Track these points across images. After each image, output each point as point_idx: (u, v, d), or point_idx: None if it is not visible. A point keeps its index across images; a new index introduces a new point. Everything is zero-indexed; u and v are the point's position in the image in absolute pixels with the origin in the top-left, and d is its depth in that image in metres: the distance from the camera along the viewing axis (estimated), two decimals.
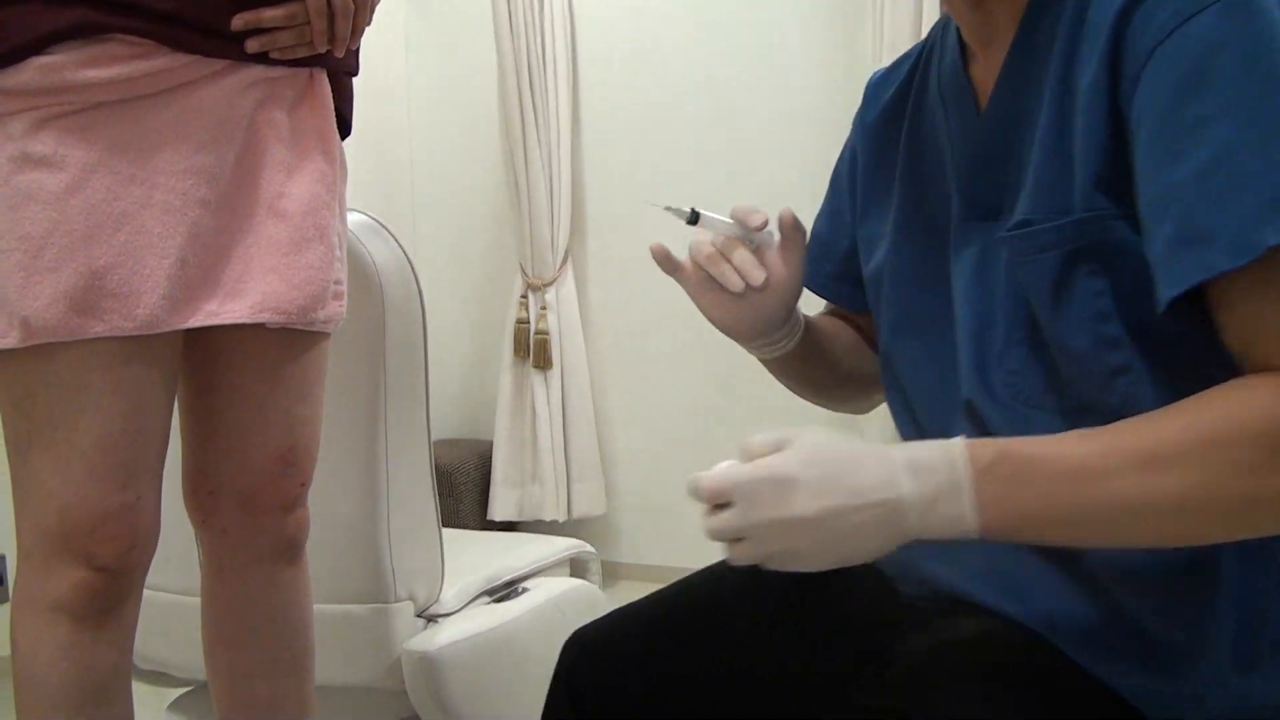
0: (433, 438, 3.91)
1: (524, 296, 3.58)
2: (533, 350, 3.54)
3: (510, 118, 3.49)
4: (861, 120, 1.15)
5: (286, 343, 1.24)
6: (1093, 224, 0.83)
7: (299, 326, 1.22)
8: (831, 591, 1.07)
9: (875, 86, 1.15)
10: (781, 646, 1.06)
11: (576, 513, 3.56)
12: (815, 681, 1.02)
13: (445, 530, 2.32)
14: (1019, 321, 0.91)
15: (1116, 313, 0.83)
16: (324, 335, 1.29)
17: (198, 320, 1.13)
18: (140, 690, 2.46)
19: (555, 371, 3.54)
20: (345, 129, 1.35)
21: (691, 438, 3.60)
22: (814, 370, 1.18)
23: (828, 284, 1.20)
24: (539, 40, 3.47)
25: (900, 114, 1.08)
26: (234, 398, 1.24)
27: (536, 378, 3.54)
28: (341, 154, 1.29)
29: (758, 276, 1.04)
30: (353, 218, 1.68)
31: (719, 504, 0.81)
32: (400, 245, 1.72)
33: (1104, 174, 0.82)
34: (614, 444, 3.69)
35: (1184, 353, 0.81)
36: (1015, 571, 0.92)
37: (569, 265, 3.58)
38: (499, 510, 3.56)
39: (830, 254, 1.19)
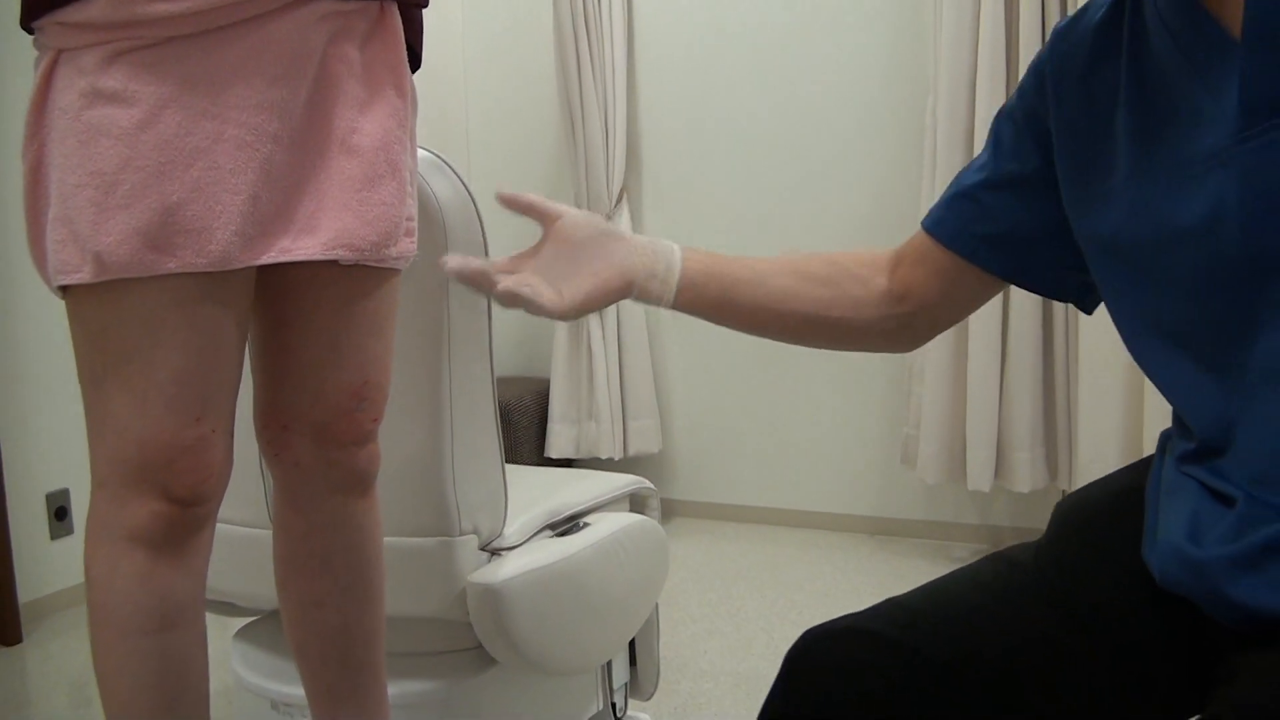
0: None
1: None
2: None
3: (565, 55, 3.47)
4: (1057, 72, 1.03)
5: (359, 279, 1.25)
6: None
7: (371, 263, 1.23)
8: (1101, 611, 0.95)
9: (1060, 37, 1.03)
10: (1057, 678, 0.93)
11: (632, 450, 3.58)
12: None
13: (513, 466, 2.35)
14: None
15: None
16: (395, 272, 1.30)
17: (271, 257, 1.13)
18: (207, 619, 2.53)
19: (611, 309, 3.55)
20: (416, 62, 1.34)
21: (745, 374, 3.60)
22: (735, 319, 1.14)
23: (979, 247, 1.11)
24: None
25: (1110, 64, 0.97)
26: (307, 334, 1.25)
27: (592, 315, 3.54)
28: (413, 88, 1.29)
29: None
30: None
31: None
32: (462, 180, 1.72)
33: None
34: (669, 382, 3.70)
35: None
36: None
37: (624, 203, 3.57)
38: (556, 448, 3.58)
39: (987, 217, 1.09)
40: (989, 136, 1.12)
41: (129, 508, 1.13)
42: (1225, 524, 0.83)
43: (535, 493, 2.04)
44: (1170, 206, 0.89)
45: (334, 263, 1.21)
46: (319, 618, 1.34)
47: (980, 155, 1.13)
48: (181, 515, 1.14)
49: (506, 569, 1.75)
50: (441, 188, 1.67)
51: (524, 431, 3.58)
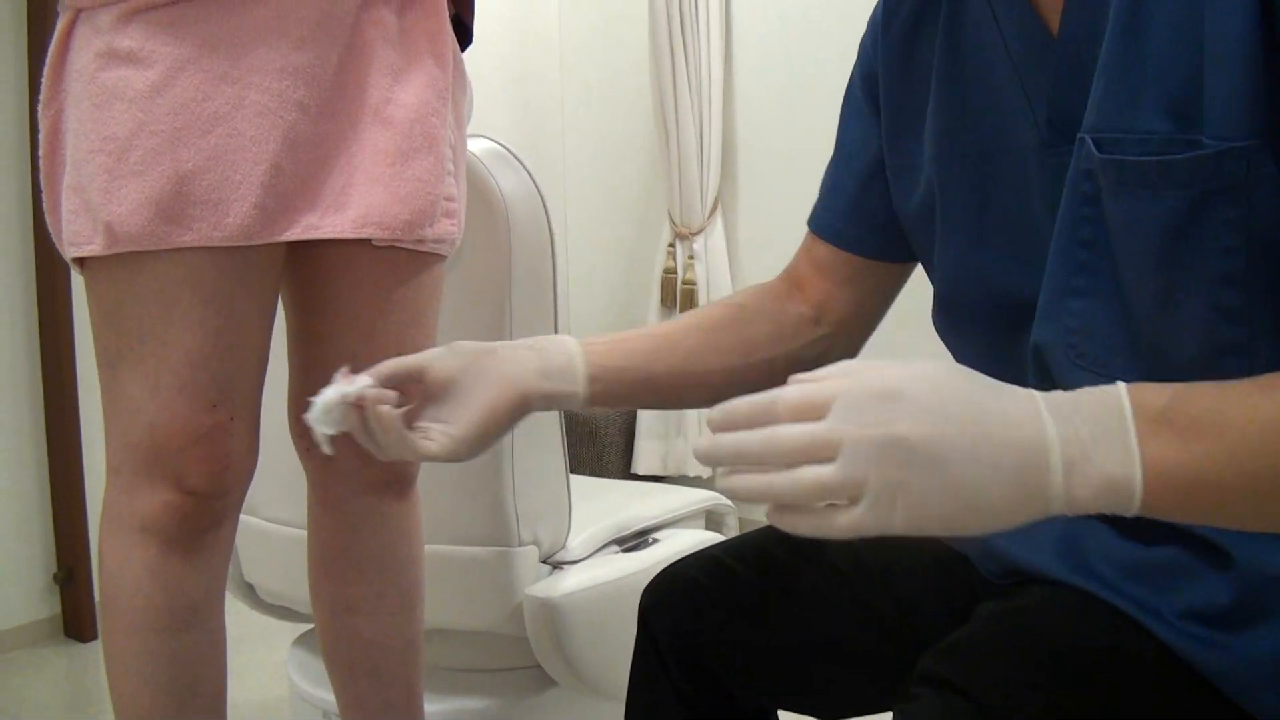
0: None
1: (671, 245, 3.49)
2: (679, 300, 3.45)
3: (661, 61, 3.40)
4: (883, 35, 0.98)
5: (397, 264, 1.17)
6: (1234, 158, 0.66)
7: (408, 245, 1.15)
8: (894, 557, 1.00)
9: None
10: (857, 615, 0.99)
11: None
12: (886, 653, 0.95)
13: (581, 477, 2.27)
14: (1087, 267, 0.77)
15: (1246, 278, 0.68)
16: (437, 258, 1.22)
17: (295, 233, 1.06)
18: (267, 624, 2.49)
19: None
20: (466, 37, 1.26)
21: None
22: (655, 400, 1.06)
23: (838, 226, 1.06)
24: None
25: (924, 32, 0.93)
26: (341, 321, 1.18)
27: None
28: (459, 62, 1.21)
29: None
30: (479, 144, 1.61)
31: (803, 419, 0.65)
32: (530, 174, 1.64)
33: (1252, 88, 0.65)
34: None
35: None
36: (1083, 544, 0.82)
37: (718, 214, 3.47)
38: (643, 464, 3.49)
39: (840, 190, 1.05)
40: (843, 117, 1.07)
41: (141, 497, 1.07)
42: None
43: (605, 505, 1.95)
44: (976, 192, 0.89)
45: (369, 245, 1.13)
46: (350, 624, 1.26)
47: (838, 146, 1.07)
48: (196, 507, 1.07)
49: (567, 583, 1.66)
50: (507, 181, 1.59)
51: (611, 447, 3.50)
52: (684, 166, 3.42)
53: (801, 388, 0.66)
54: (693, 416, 3.43)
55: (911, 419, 0.63)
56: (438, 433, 0.93)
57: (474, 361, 0.97)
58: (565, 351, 0.98)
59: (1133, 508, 0.63)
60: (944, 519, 0.63)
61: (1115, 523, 0.79)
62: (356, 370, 1.14)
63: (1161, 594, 0.76)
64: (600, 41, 3.81)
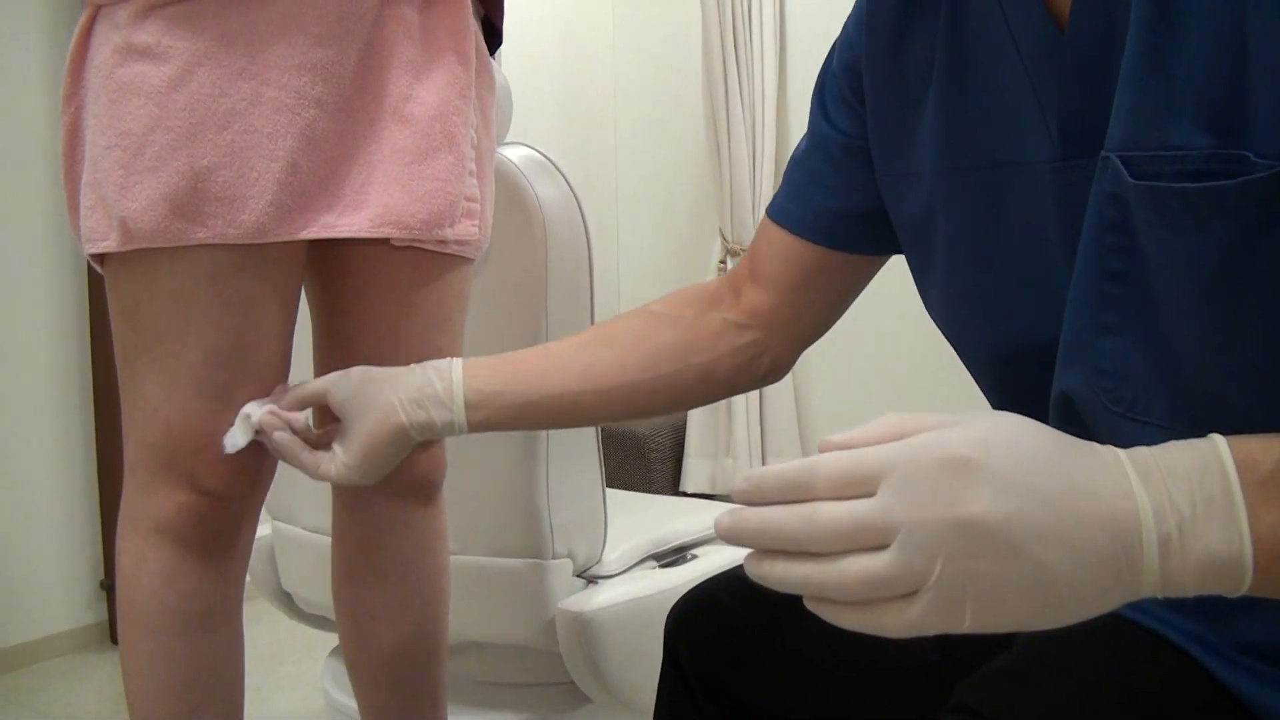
0: None
1: (722, 262, 3.46)
2: None
3: (713, 77, 3.38)
4: (869, 20, 0.88)
5: (421, 265, 1.15)
6: None
7: (429, 246, 1.13)
8: None
9: None
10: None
11: None
12: (924, 675, 0.87)
13: (623, 492, 2.24)
14: (1118, 303, 0.67)
15: None
16: (463, 260, 1.20)
17: (313, 232, 1.04)
18: (308, 636, 2.48)
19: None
20: (496, 39, 1.25)
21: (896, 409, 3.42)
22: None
23: (809, 221, 0.96)
24: None
25: (920, 21, 0.83)
26: (366, 323, 1.16)
27: None
28: (485, 63, 1.19)
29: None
30: (517, 150, 1.59)
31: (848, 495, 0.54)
32: (568, 181, 1.62)
33: None
34: (813, 418, 3.54)
35: None
36: None
37: None
38: (691, 482, 3.46)
39: (814, 184, 0.96)
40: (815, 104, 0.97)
41: (157, 498, 1.05)
42: None
43: (644, 520, 1.92)
44: (982, 209, 0.79)
45: (390, 246, 1.11)
46: (371, 632, 1.23)
47: (809, 131, 0.98)
48: (211, 509, 1.06)
49: (601, 597, 1.63)
50: (544, 188, 1.58)
51: (659, 465, 3.47)
52: (736, 183, 3.39)
53: (844, 455, 0.55)
54: (742, 435, 3.39)
55: (987, 497, 0.52)
56: (336, 457, 0.98)
57: (360, 388, 0.99)
58: (446, 378, 0.98)
59: (1241, 589, 0.54)
60: (1022, 615, 0.53)
61: None
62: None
63: (1216, 626, 0.69)
64: (653, 58, 3.80)
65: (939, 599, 0.52)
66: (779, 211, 0.99)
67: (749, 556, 0.57)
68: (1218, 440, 0.55)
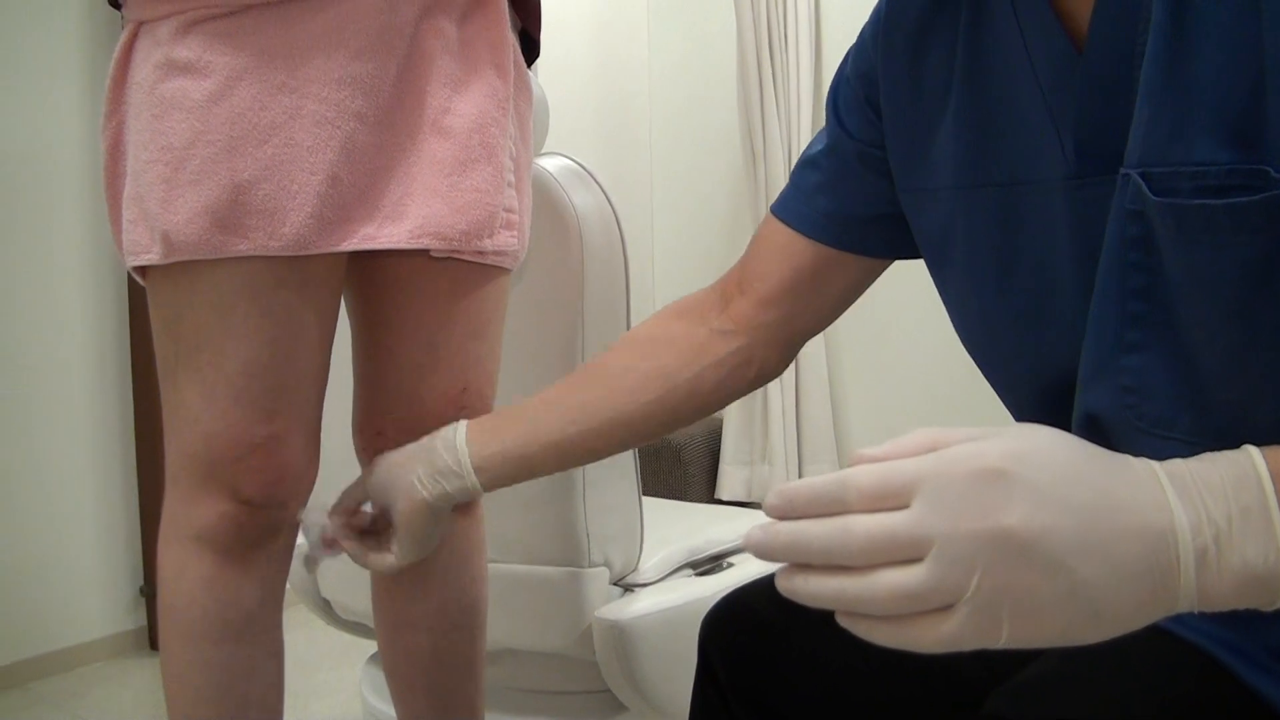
0: None
1: None
2: None
3: (749, 85, 3.38)
4: (884, 33, 0.88)
5: (459, 276, 1.16)
6: None
7: (467, 257, 1.13)
8: None
9: None
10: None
11: None
12: (940, 686, 0.87)
13: (659, 500, 2.24)
14: (1142, 321, 0.67)
15: None
16: (501, 270, 1.20)
17: (353, 244, 1.05)
18: (343, 642, 2.49)
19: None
20: (533, 51, 1.25)
21: (933, 422, 3.39)
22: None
23: (820, 222, 0.97)
24: (780, 6, 3.34)
25: (938, 36, 0.83)
26: (404, 333, 1.17)
27: None
28: (522, 74, 1.20)
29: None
30: (554, 161, 1.60)
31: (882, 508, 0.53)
32: (604, 191, 1.62)
33: None
34: (849, 425, 3.52)
35: None
36: None
37: None
38: (727, 490, 3.45)
39: (829, 186, 0.96)
40: (829, 111, 0.97)
41: (198, 507, 1.06)
42: None
43: (681, 528, 1.92)
44: (999, 227, 0.79)
45: (429, 257, 1.12)
46: (410, 640, 1.24)
47: (822, 134, 0.98)
48: (251, 518, 1.07)
49: (637, 606, 1.63)
50: (581, 198, 1.58)
51: (695, 472, 3.46)
52: (771, 189, 3.38)
53: (877, 468, 0.54)
54: (779, 441, 3.38)
55: (1023, 508, 0.51)
56: (392, 548, 1.03)
57: (386, 477, 1.04)
58: (452, 448, 1.01)
59: (1278, 602, 0.53)
60: (1059, 630, 0.52)
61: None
62: (420, 386, 1.15)
63: (1248, 630, 0.68)
64: (688, 64, 3.80)
65: (975, 613, 0.51)
66: (788, 211, 0.99)
67: (780, 572, 0.56)
68: (1252, 452, 0.54)
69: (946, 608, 0.51)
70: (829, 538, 0.53)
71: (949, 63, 0.81)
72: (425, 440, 1.03)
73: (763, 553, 0.56)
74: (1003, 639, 0.52)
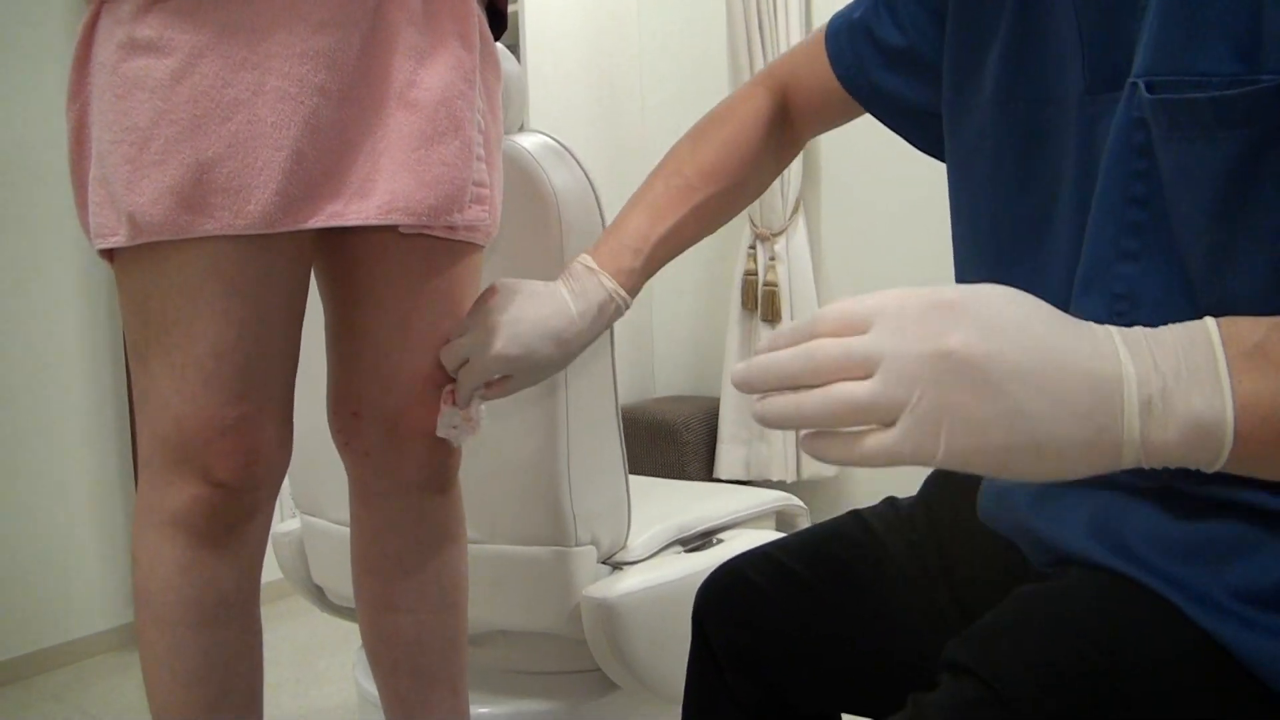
0: (660, 394, 3.84)
1: (752, 247, 3.44)
2: (761, 303, 3.40)
3: (739, 60, 3.36)
4: None
5: (431, 253, 1.15)
6: None
7: (439, 233, 1.12)
8: (955, 554, 0.95)
9: None
10: (919, 615, 0.93)
11: (806, 473, 3.40)
12: (930, 653, 0.87)
13: (649, 478, 2.24)
14: (1140, 228, 0.70)
15: None
16: (474, 247, 1.20)
17: (320, 220, 1.04)
18: (341, 627, 2.49)
19: (784, 324, 3.39)
20: (500, 24, 1.24)
21: None
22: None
23: (866, 91, 1.05)
24: None
25: None
26: (377, 313, 1.16)
27: (765, 331, 3.40)
28: (489, 47, 1.19)
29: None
30: (531, 138, 1.59)
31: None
32: (583, 169, 1.61)
33: None
34: None
35: None
36: (1122, 524, 0.74)
37: (800, 214, 3.41)
38: (725, 469, 3.44)
39: (880, 49, 1.03)
40: None
41: (171, 490, 1.06)
42: None
43: (670, 505, 1.91)
44: (1024, 140, 0.82)
45: (399, 234, 1.11)
46: (391, 622, 1.24)
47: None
48: (225, 500, 1.06)
49: (625, 583, 1.63)
50: (559, 176, 1.57)
51: (693, 452, 3.46)
52: None
53: (844, 302, 0.60)
54: None
55: (966, 333, 0.56)
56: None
57: (526, 306, 1.11)
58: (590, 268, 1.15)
59: (1221, 456, 0.56)
60: (996, 453, 0.56)
61: (1159, 499, 0.72)
62: (395, 366, 1.14)
63: (1212, 572, 0.69)
64: (679, 41, 3.78)
65: (914, 426, 0.56)
66: (844, 64, 1.07)
67: (754, 404, 0.62)
68: (1207, 319, 0.58)
69: (891, 424, 0.57)
70: (794, 359, 0.60)
71: None
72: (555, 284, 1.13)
73: (743, 382, 0.62)
74: (940, 455, 0.56)
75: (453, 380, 1.17)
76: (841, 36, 1.06)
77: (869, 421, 0.58)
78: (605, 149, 3.63)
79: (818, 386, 0.59)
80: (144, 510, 1.08)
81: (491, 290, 1.11)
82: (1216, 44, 0.64)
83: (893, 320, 0.58)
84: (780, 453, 3.37)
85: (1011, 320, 0.57)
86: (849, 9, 1.07)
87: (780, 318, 3.36)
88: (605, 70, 3.70)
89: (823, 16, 3.40)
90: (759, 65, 3.34)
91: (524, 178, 1.52)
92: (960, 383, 0.55)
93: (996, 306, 0.58)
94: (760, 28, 3.34)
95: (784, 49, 3.33)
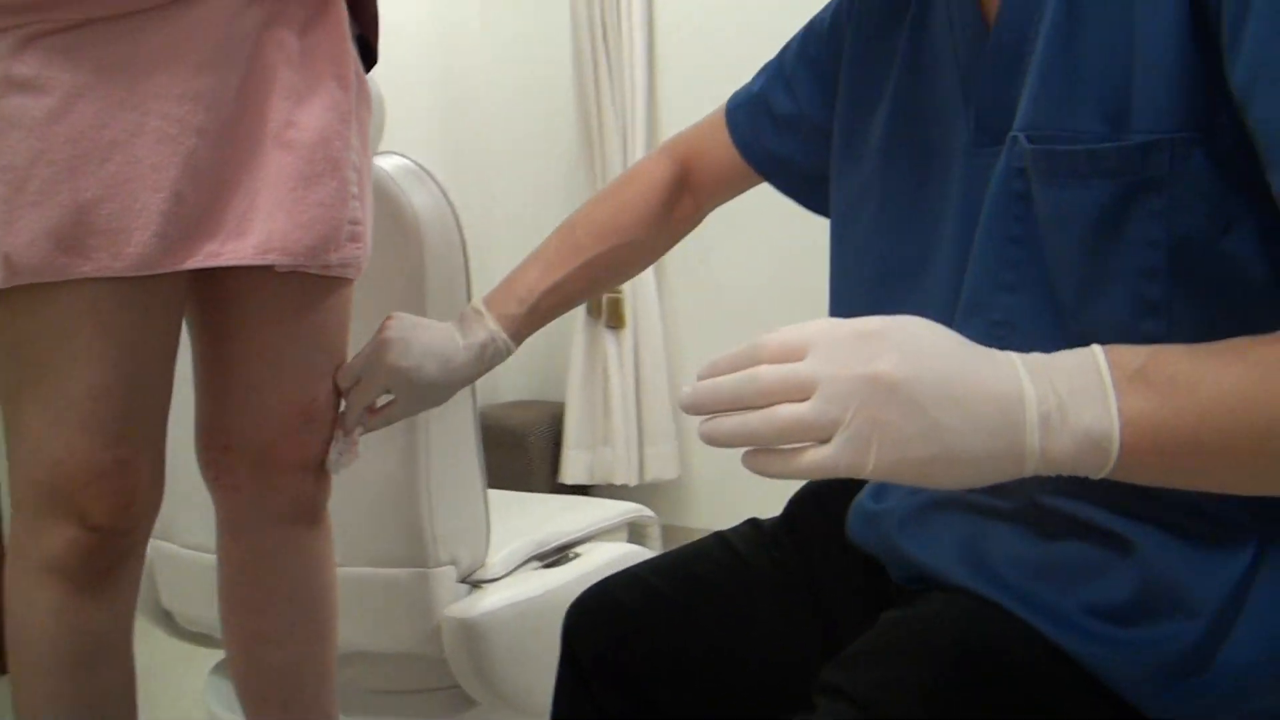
0: (505, 399, 3.84)
1: None
2: (605, 309, 3.44)
3: (584, 74, 3.40)
4: (855, 29, 1.02)
5: (304, 288, 1.15)
6: (1160, 150, 0.69)
7: (313, 271, 1.13)
8: (820, 570, 1.01)
9: None
10: (783, 628, 1.00)
11: (649, 476, 3.47)
12: (795, 665, 0.97)
13: (503, 492, 2.25)
14: (1016, 264, 0.79)
15: (1167, 271, 0.70)
16: (345, 281, 1.20)
17: (196, 261, 1.04)
18: (184, 650, 2.44)
19: (629, 331, 3.45)
20: (371, 57, 1.25)
21: None
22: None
23: (763, 158, 1.17)
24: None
25: (898, 27, 0.96)
26: (248, 347, 1.16)
27: (609, 337, 3.45)
28: (363, 83, 1.20)
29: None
30: (391, 160, 1.59)
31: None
32: (443, 190, 1.62)
33: (1180, 83, 0.68)
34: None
35: (1228, 323, 0.67)
36: (985, 546, 0.82)
37: None
38: (570, 473, 3.48)
39: (776, 120, 1.14)
40: (783, 62, 1.14)
41: (45, 535, 1.04)
42: (904, 485, 0.86)
43: (525, 521, 1.94)
44: (911, 188, 0.91)
45: (272, 270, 1.11)
46: (261, 654, 1.23)
47: (772, 71, 1.15)
48: (101, 544, 1.05)
49: (486, 602, 1.65)
50: (419, 198, 1.58)
51: (538, 457, 3.48)
52: (607, 177, 3.41)
53: (782, 331, 0.67)
54: (619, 423, 3.43)
55: (892, 358, 0.63)
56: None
57: (413, 340, 1.20)
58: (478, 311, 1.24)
59: (1108, 465, 0.64)
60: (921, 464, 0.63)
61: (1019, 521, 0.80)
62: (266, 400, 1.14)
63: (1065, 592, 0.77)
64: (524, 52, 3.79)
65: (849, 441, 0.62)
66: (741, 134, 1.18)
67: (701, 425, 0.68)
68: (1095, 346, 0.66)
69: (827, 440, 0.63)
70: (739, 385, 0.66)
71: (896, 47, 0.95)
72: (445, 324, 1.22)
73: (692, 406, 0.69)
74: (870, 466, 0.63)
75: (336, 410, 1.19)
76: (741, 111, 1.17)
77: (808, 439, 0.64)
78: (450, 166, 3.61)
79: (760, 408, 0.65)
80: (16, 556, 1.06)
81: (388, 318, 1.18)
82: (1089, 106, 0.72)
83: (826, 347, 0.64)
84: (624, 457, 3.42)
85: (929, 346, 0.65)
86: (748, 85, 1.17)
87: (624, 324, 3.41)
88: (450, 86, 3.68)
89: (666, 23, 3.46)
90: (604, 79, 3.38)
91: (385, 200, 1.52)
92: (888, 402, 0.62)
93: (915, 333, 0.66)
94: (606, 45, 3.38)
95: (628, 61, 3.37)
